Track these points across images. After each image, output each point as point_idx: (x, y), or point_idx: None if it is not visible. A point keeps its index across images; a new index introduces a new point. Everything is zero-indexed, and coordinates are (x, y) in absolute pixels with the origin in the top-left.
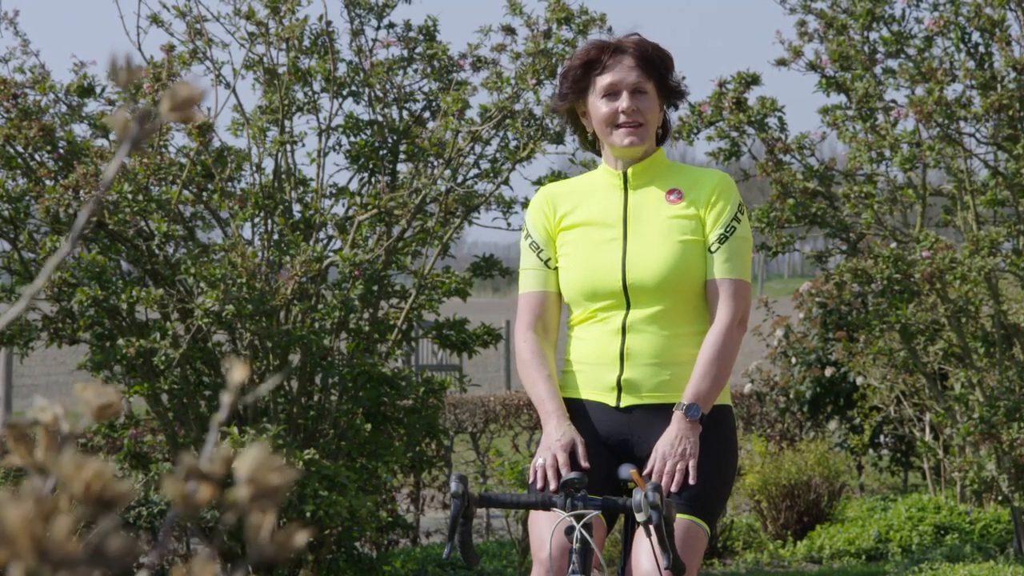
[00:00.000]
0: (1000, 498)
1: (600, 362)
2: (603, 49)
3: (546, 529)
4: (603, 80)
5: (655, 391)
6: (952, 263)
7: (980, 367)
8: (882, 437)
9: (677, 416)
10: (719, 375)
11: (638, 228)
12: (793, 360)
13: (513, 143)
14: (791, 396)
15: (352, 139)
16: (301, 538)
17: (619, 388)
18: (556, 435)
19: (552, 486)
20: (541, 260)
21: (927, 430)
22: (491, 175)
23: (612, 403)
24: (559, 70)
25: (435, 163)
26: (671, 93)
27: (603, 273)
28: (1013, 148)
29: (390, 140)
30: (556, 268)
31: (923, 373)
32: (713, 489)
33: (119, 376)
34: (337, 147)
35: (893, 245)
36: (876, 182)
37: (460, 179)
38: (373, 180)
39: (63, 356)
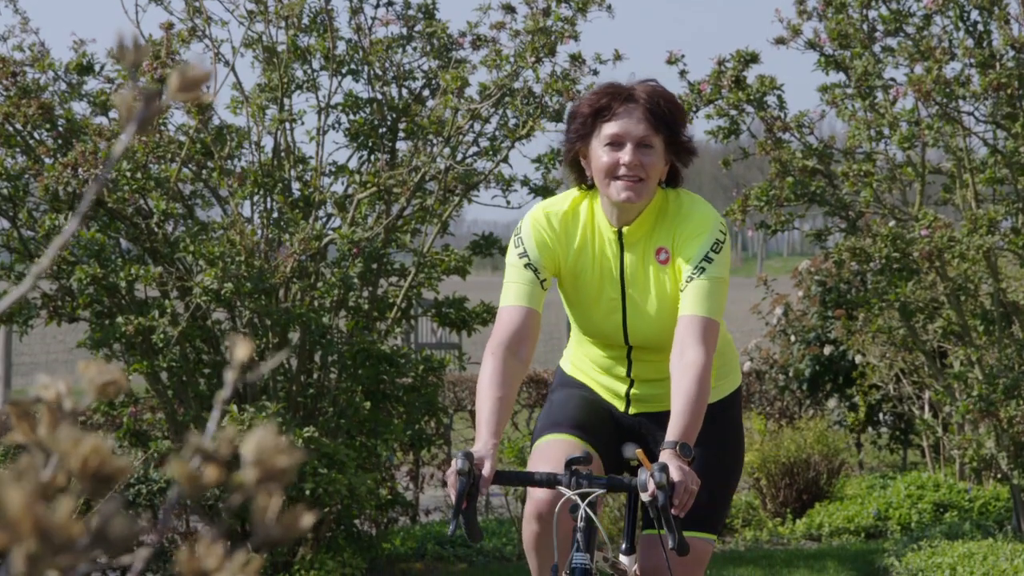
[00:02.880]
0: (999, 476)
1: (608, 374)
2: (614, 96)
3: (545, 455)
4: (609, 128)
5: (662, 402)
6: (951, 241)
7: (979, 345)
8: (881, 415)
9: (672, 454)
10: (700, 412)
11: (634, 293)
12: (792, 338)
13: (512, 121)
14: (790, 374)
15: (351, 117)
16: (307, 520)
17: (628, 400)
18: (475, 446)
19: (452, 494)
20: (535, 277)
21: (926, 408)
22: (490, 153)
23: (621, 409)
24: (568, 110)
25: (434, 141)
26: (680, 149)
27: (605, 334)
28: (1012, 126)
29: (389, 118)
30: (545, 288)
31: (922, 351)
32: (720, 500)
33: (118, 354)
34: (336, 125)
35: (892, 223)
36: (875, 160)
37: (459, 157)
38: (372, 158)
39: (62, 334)
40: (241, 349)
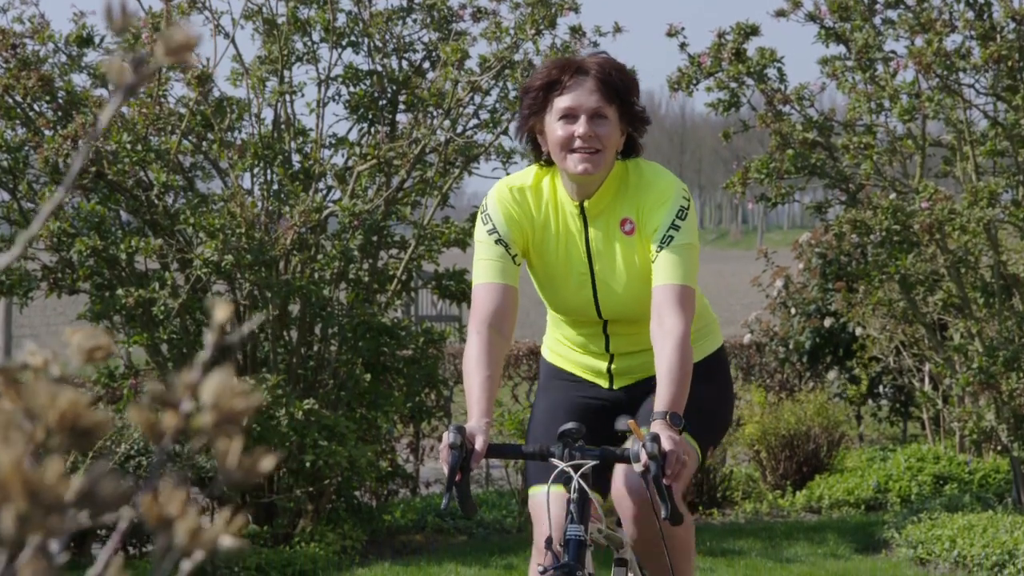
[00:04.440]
0: (999, 448)
1: (587, 353)
2: (564, 69)
3: (543, 511)
4: (561, 102)
5: (644, 371)
6: (951, 214)
7: (979, 317)
8: (881, 387)
9: (663, 424)
10: (686, 380)
11: (602, 266)
12: (792, 311)
13: (513, 93)
14: (790, 346)
15: (351, 89)
16: (268, 463)
17: (610, 376)
18: (468, 422)
19: (445, 468)
20: (507, 252)
21: (926, 380)
22: (491, 125)
23: (605, 385)
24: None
25: (434, 113)
26: (634, 119)
27: (577, 311)
28: (1012, 99)
29: (389, 90)
30: (517, 263)
31: (922, 323)
32: (706, 420)
33: (118, 326)
34: (336, 97)
35: (892, 196)
36: (875, 133)
37: (460, 129)
38: (372, 130)
39: (63, 306)
40: (221, 311)
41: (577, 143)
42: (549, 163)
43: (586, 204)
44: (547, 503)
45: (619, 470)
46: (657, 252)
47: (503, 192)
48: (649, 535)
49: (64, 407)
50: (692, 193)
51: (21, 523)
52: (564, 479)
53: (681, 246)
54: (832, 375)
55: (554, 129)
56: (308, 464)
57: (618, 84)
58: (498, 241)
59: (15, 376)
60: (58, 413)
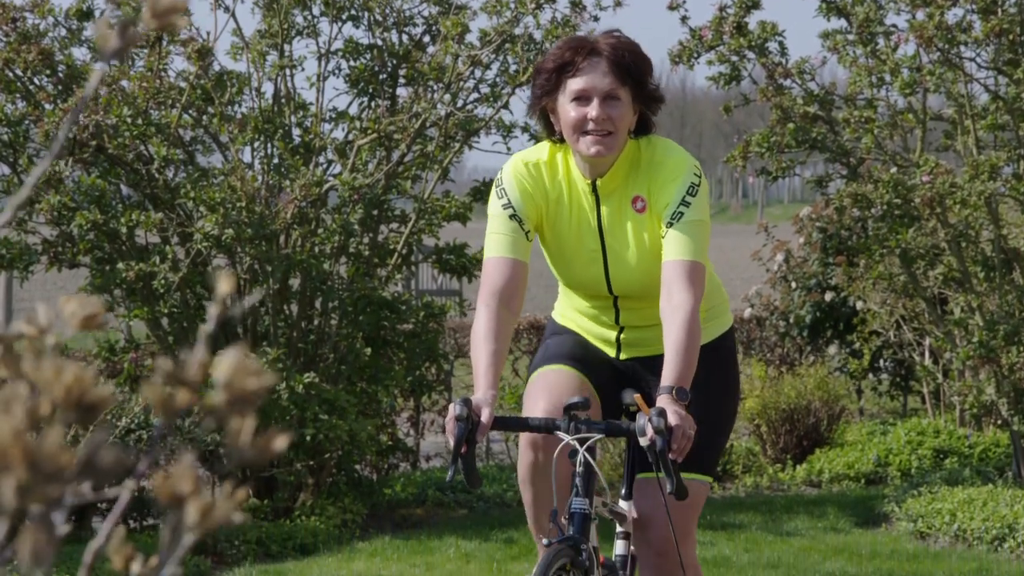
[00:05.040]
0: (999, 422)
1: (597, 323)
2: (577, 50)
3: (542, 387)
4: (574, 84)
5: (653, 346)
6: (952, 187)
7: (980, 291)
8: (882, 361)
9: (669, 399)
10: (694, 355)
11: (613, 243)
12: (793, 285)
13: (513, 67)
14: (791, 321)
15: (352, 63)
16: (281, 442)
17: (619, 346)
18: (475, 394)
19: (451, 440)
20: (519, 227)
21: (927, 354)
22: (491, 99)
23: (612, 354)
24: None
25: (435, 87)
26: (647, 99)
27: (588, 286)
28: (1013, 72)
29: (390, 64)
30: (529, 238)
31: (923, 297)
32: (714, 442)
33: (119, 300)
34: (337, 71)
35: (893, 170)
36: (876, 107)
37: (460, 103)
38: (373, 104)
39: (63, 280)
40: (224, 283)
41: (590, 125)
42: (561, 140)
43: (598, 183)
44: (553, 470)
45: (639, 490)
46: (667, 228)
47: (518, 167)
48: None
49: (69, 382)
50: None
51: (21, 492)
52: (569, 460)
53: (691, 222)
54: (832, 349)
55: (567, 111)
56: (308, 438)
57: (631, 65)
58: (512, 216)
59: (12, 346)
60: (63, 388)
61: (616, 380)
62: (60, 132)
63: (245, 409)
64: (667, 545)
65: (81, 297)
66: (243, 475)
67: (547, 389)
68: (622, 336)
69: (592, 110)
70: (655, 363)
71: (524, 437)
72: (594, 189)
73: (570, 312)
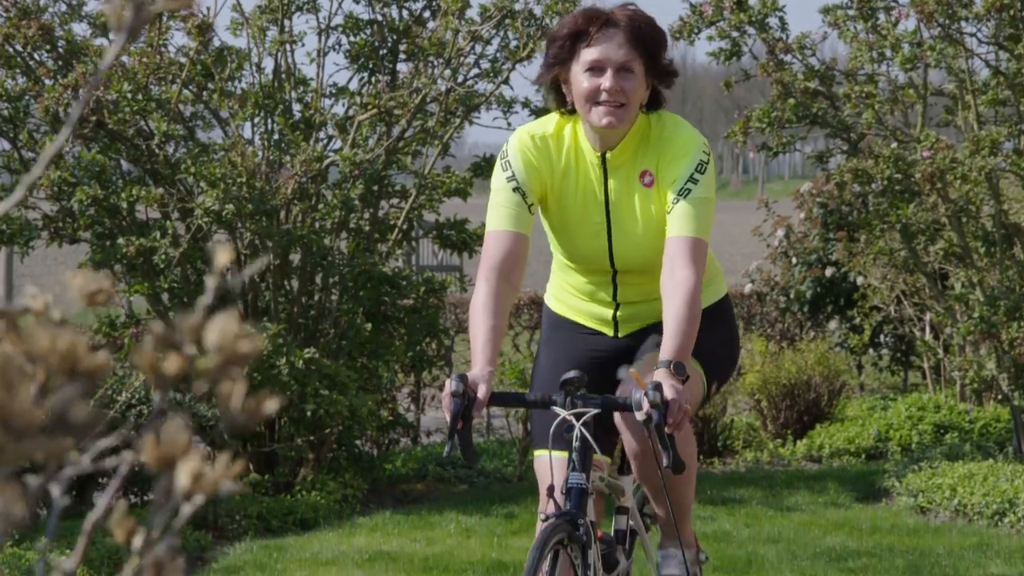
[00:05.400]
0: (1000, 397)
1: (593, 300)
2: (592, 20)
3: (547, 472)
4: (588, 54)
5: (649, 319)
6: (953, 163)
7: (980, 267)
8: (882, 337)
9: (667, 373)
10: (693, 331)
11: (619, 217)
12: (794, 260)
13: (513, 43)
14: (791, 296)
15: (352, 39)
16: (271, 406)
17: (616, 325)
18: (471, 371)
19: (447, 416)
20: (523, 201)
21: (927, 330)
22: (491, 75)
23: (610, 334)
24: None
25: (435, 63)
26: (661, 73)
27: (590, 259)
28: (1014, 48)
29: (390, 40)
30: (532, 212)
31: (923, 273)
32: (712, 357)
33: (119, 275)
34: (337, 47)
35: (894, 145)
36: (877, 82)
37: (460, 79)
38: (373, 80)
39: (63, 255)
40: (222, 255)
41: (603, 96)
42: (571, 111)
43: (608, 155)
44: (551, 465)
45: (623, 428)
46: (674, 203)
47: (524, 139)
48: (651, 470)
49: (64, 350)
50: None
51: None
52: (565, 436)
53: (698, 199)
54: (833, 324)
55: (580, 81)
56: (309, 413)
57: (647, 38)
58: (516, 189)
59: (16, 320)
60: (58, 356)
61: (613, 359)
62: (74, 110)
63: (236, 373)
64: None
65: (87, 272)
66: (243, 449)
67: (548, 480)
68: (618, 313)
69: (605, 81)
70: (652, 328)
71: (543, 496)
72: (603, 162)
73: (565, 295)
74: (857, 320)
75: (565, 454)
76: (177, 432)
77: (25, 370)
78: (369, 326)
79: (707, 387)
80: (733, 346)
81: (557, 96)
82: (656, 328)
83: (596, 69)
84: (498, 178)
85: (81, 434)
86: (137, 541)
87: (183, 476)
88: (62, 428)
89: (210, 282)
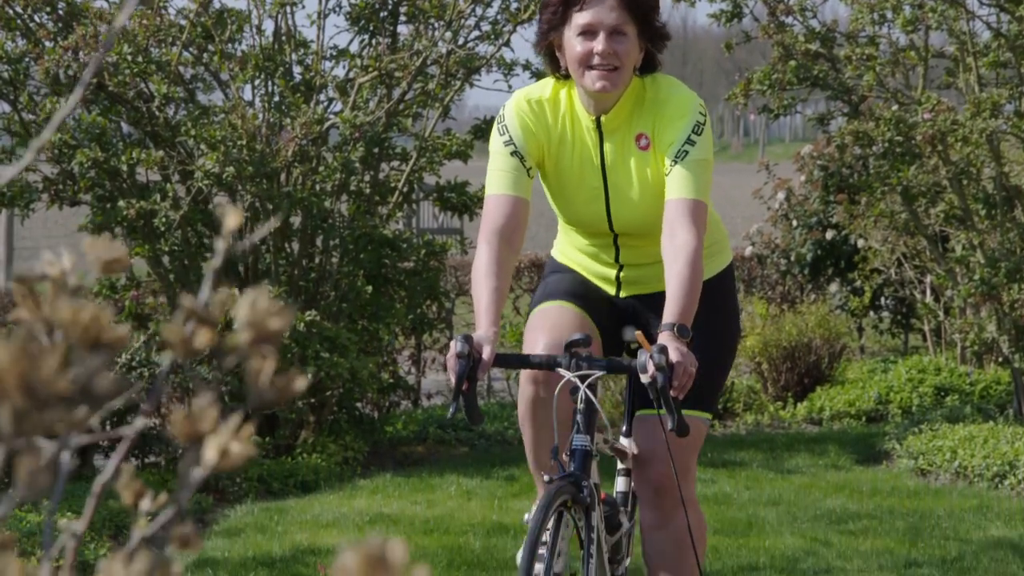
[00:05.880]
0: (1000, 359)
1: (597, 260)
2: None
3: (545, 319)
4: (581, 18)
5: (653, 283)
6: (954, 125)
7: (981, 229)
8: (883, 299)
9: (671, 336)
10: (695, 293)
11: (615, 180)
12: (794, 223)
13: (514, 5)
14: (792, 258)
15: (352, 0)
16: (301, 383)
17: (618, 284)
18: (476, 331)
19: (452, 377)
20: (521, 164)
21: (928, 292)
22: (492, 37)
23: (612, 293)
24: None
25: (436, 25)
26: (654, 35)
27: (589, 223)
28: (1015, 9)
29: (390, 2)
30: (531, 176)
31: (924, 235)
32: (714, 378)
33: (119, 237)
34: (337, 8)
35: (895, 107)
36: (878, 44)
37: (461, 41)
38: (373, 42)
39: (63, 218)
40: (232, 218)
41: (595, 60)
42: (566, 76)
43: (603, 119)
44: (554, 407)
45: (639, 427)
46: (671, 166)
47: (521, 103)
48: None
49: (86, 321)
50: None
51: (17, 419)
52: (570, 397)
53: (695, 161)
54: (834, 287)
55: (573, 45)
56: (310, 376)
57: (639, 1)
58: (513, 153)
59: (32, 287)
60: (80, 327)
61: (616, 318)
62: (85, 73)
63: (267, 349)
64: (667, 481)
65: (104, 241)
66: (244, 412)
67: (547, 325)
68: (622, 274)
69: (598, 44)
70: (655, 301)
71: (524, 373)
72: (598, 126)
73: (569, 250)
74: (858, 283)
75: (570, 304)
76: (205, 407)
77: (45, 340)
78: (370, 289)
79: (715, 379)
80: (734, 323)
81: (552, 61)
82: (657, 303)
83: (588, 33)
84: (496, 142)
85: (104, 404)
86: (145, 504)
87: (211, 450)
88: (86, 399)
89: (219, 245)
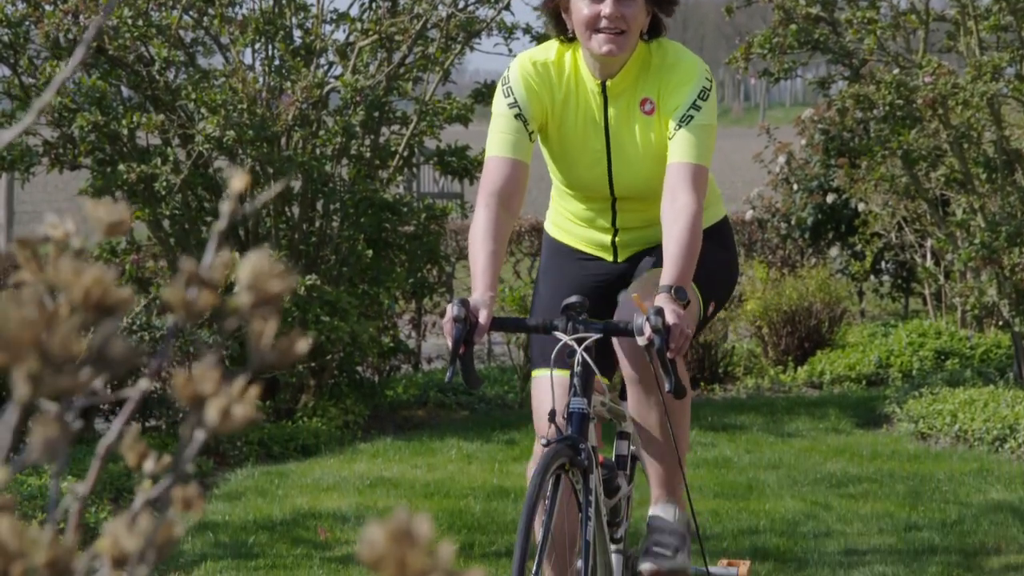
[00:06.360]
0: (1000, 323)
1: (592, 227)
2: None
3: (546, 396)
4: None
5: (647, 243)
6: (954, 88)
7: (982, 192)
8: (883, 263)
9: (668, 298)
10: (694, 257)
11: (619, 145)
12: (795, 187)
13: None
14: (792, 222)
15: None
16: (303, 345)
17: (615, 250)
18: (473, 295)
19: (449, 341)
20: (523, 128)
21: (928, 256)
22: (492, 0)
23: (609, 259)
24: None
25: None
26: (661, 0)
27: (590, 187)
28: None
29: None
30: (532, 139)
31: (925, 199)
32: (710, 275)
33: (120, 202)
34: None
35: (895, 71)
36: (879, 7)
37: (461, 4)
38: (374, 5)
39: (63, 182)
40: (237, 180)
41: (603, 23)
42: (571, 39)
43: (608, 83)
44: (551, 385)
45: (620, 353)
46: (676, 130)
47: (526, 65)
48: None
49: (89, 284)
50: None
51: (33, 383)
52: (567, 361)
53: (700, 126)
54: (834, 251)
55: (580, 7)
56: (310, 340)
57: None
58: (517, 115)
59: (35, 249)
60: (83, 290)
61: (613, 283)
62: (86, 36)
63: (269, 312)
64: (645, 371)
65: (107, 203)
66: (249, 376)
67: (549, 401)
68: (617, 239)
69: (605, 8)
70: (649, 251)
71: (536, 424)
72: (603, 90)
73: (564, 221)
74: (858, 246)
75: (566, 373)
76: (208, 369)
77: (48, 302)
78: (370, 252)
79: (703, 307)
80: (731, 268)
81: (557, 24)
82: (654, 251)
83: None
84: (499, 103)
85: (119, 369)
86: (148, 465)
87: (212, 412)
88: (100, 363)
89: (224, 207)
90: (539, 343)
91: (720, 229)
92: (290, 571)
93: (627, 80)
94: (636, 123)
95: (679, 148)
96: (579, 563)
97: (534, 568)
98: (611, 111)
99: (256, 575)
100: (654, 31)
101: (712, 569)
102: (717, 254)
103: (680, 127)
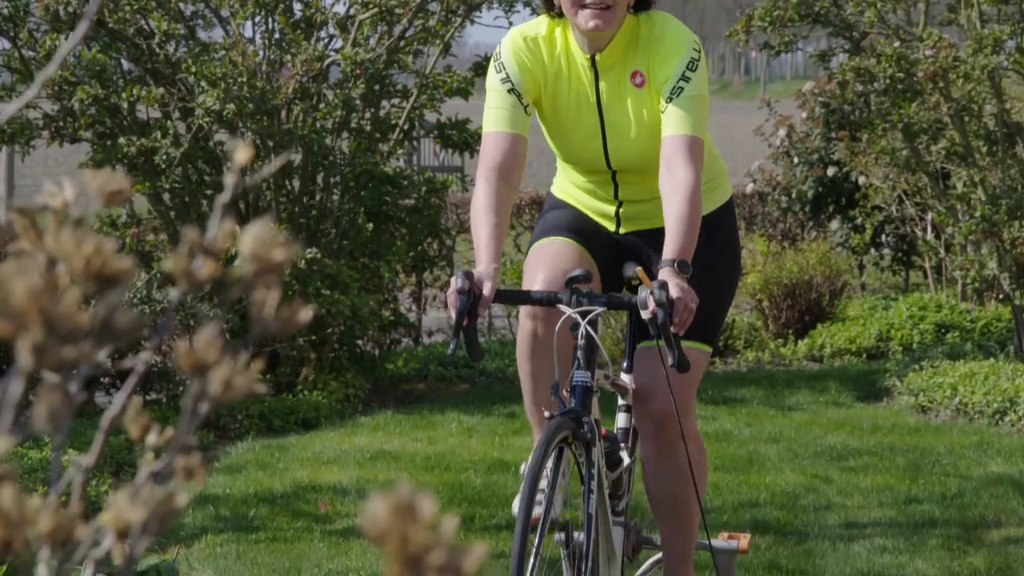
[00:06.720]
0: (1001, 296)
1: (595, 197)
2: None
3: (542, 257)
4: None
5: (652, 219)
6: (955, 62)
7: (982, 166)
8: (884, 236)
9: (671, 272)
10: (695, 229)
11: (612, 118)
12: (795, 160)
13: None
14: (793, 196)
15: None
16: (305, 314)
17: (618, 220)
18: (477, 267)
19: (453, 313)
20: (518, 102)
21: (929, 229)
22: None
23: (612, 229)
24: None
25: None
26: None
27: (587, 161)
28: None
29: None
30: (528, 113)
31: (925, 172)
32: (714, 311)
33: (120, 175)
34: None
35: (896, 44)
36: None
37: None
38: None
39: (64, 156)
40: (241, 153)
41: None
42: (561, 15)
43: (597, 57)
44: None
45: (640, 359)
46: (667, 103)
47: (517, 41)
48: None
49: (89, 253)
50: None
51: (37, 353)
52: (571, 332)
53: (691, 97)
54: (835, 224)
55: None
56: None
57: None
58: (511, 90)
59: (34, 218)
60: (83, 259)
61: (616, 254)
62: (90, 7)
63: (271, 281)
64: (668, 415)
65: (106, 173)
66: (252, 350)
67: (547, 260)
68: (621, 210)
69: None
70: (655, 237)
71: (524, 309)
72: (593, 64)
73: (568, 187)
74: (859, 220)
75: (569, 240)
76: (210, 339)
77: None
78: (370, 226)
79: (711, 345)
80: (733, 273)
81: (546, 0)
82: (661, 236)
83: None
84: (493, 79)
85: (124, 340)
86: (151, 438)
87: (214, 382)
88: (105, 334)
89: (228, 179)
90: (544, 224)
91: (721, 219)
92: (290, 544)
93: (616, 54)
94: (628, 96)
95: (672, 121)
96: (581, 536)
97: (536, 541)
98: (602, 85)
99: (257, 548)
100: (643, 3)
101: (713, 542)
102: (719, 266)
103: (671, 100)
